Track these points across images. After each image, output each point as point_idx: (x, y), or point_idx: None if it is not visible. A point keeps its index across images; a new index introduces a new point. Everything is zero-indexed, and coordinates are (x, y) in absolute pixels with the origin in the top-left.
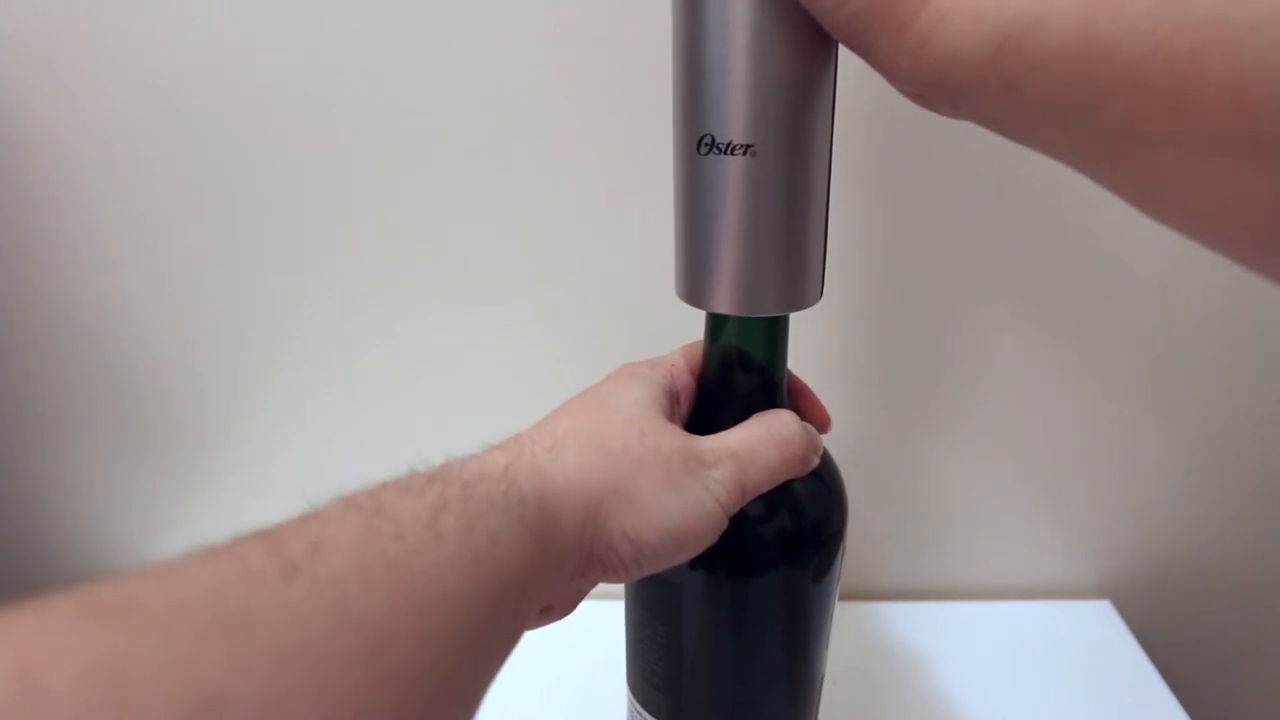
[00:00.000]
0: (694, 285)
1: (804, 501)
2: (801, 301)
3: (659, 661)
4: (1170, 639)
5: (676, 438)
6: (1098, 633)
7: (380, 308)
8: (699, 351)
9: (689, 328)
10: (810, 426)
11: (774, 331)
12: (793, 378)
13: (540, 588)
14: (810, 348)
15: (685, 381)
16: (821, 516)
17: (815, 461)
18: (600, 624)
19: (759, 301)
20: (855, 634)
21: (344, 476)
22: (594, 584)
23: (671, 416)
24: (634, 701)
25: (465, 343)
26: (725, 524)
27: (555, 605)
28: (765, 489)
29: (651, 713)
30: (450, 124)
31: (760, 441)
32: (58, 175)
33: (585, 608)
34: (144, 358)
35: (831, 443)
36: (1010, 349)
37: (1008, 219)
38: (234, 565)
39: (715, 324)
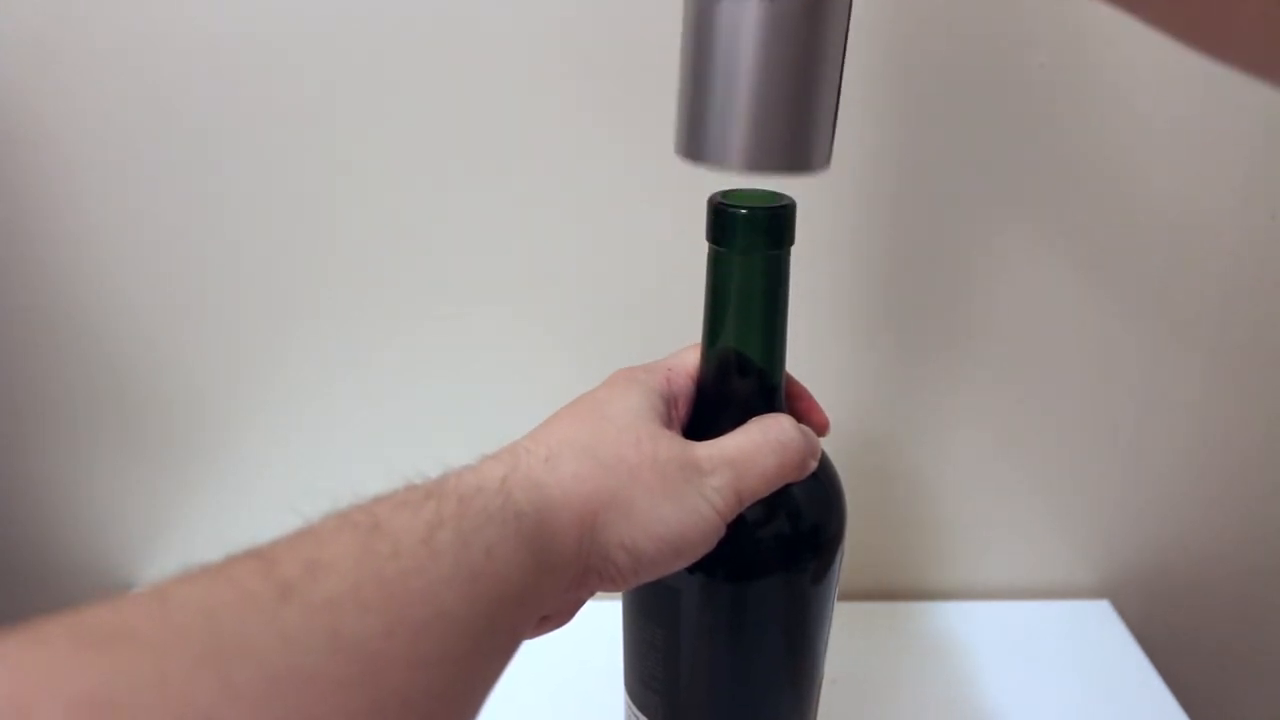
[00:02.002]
0: (695, 138)
1: (802, 505)
2: (808, 162)
3: (656, 666)
4: (1169, 639)
5: (673, 445)
6: (1097, 632)
7: (381, 308)
8: (696, 355)
9: (688, 330)
10: (808, 429)
11: (772, 332)
12: (791, 380)
13: (537, 599)
14: (809, 350)
15: (683, 385)
16: (820, 519)
17: (813, 466)
18: (597, 626)
19: (764, 156)
20: (855, 634)
21: (343, 476)
22: (591, 593)
23: (668, 422)
24: (631, 705)
25: (466, 343)
26: (722, 531)
27: (553, 615)
28: (762, 495)
29: (649, 717)
30: (451, 124)
31: (757, 447)
32: (58, 175)
33: (582, 610)
34: (144, 358)
35: (830, 444)
36: (1009, 350)
37: (1005, 216)
38: (227, 587)
39: (713, 327)
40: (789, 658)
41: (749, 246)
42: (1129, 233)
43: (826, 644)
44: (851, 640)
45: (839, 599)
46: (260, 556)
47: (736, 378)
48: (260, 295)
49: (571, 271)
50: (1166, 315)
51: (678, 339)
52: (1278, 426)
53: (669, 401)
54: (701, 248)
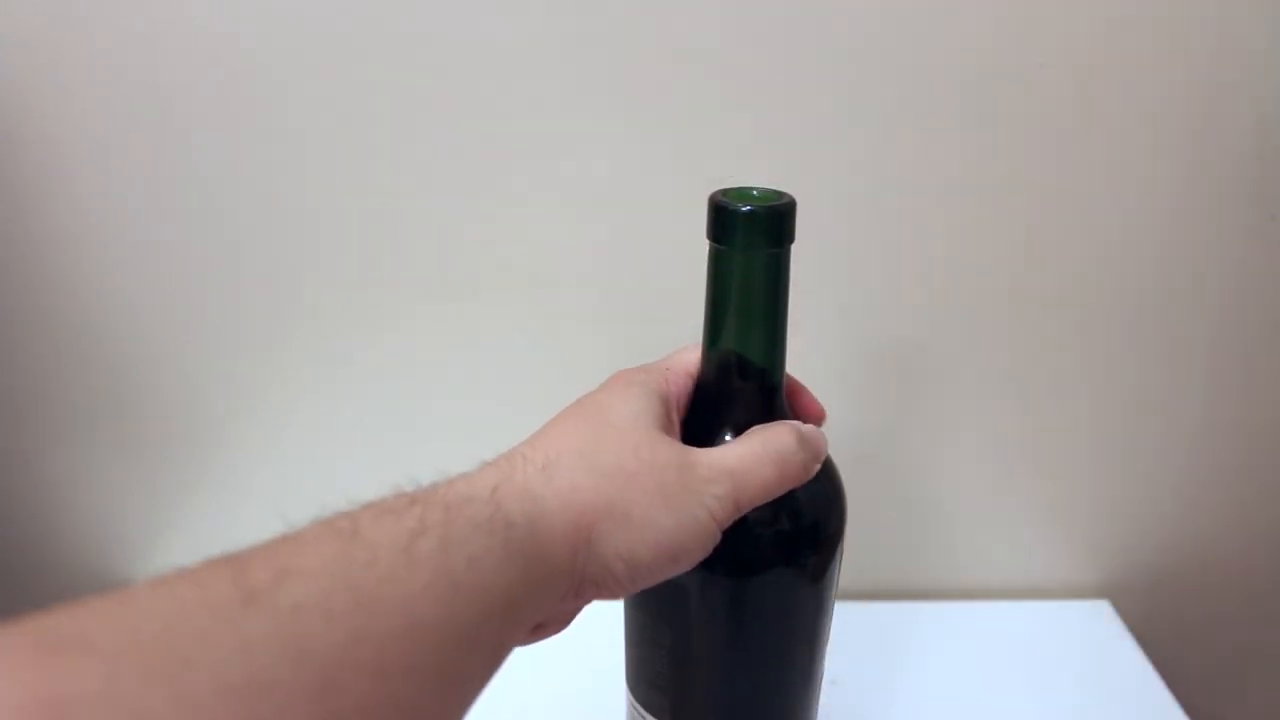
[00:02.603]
0: None
1: (803, 503)
2: None
3: (659, 662)
4: (1169, 639)
5: (672, 451)
6: (1097, 633)
7: (380, 309)
8: (695, 354)
9: (689, 330)
10: (811, 435)
11: (773, 331)
12: (788, 377)
13: (529, 610)
14: (809, 348)
15: (682, 386)
16: (820, 517)
17: (815, 469)
18: (600, 623)
19: None
20: (855, 634)
21: (342, 477)
22: (588, 602)
23: (668, 424)
24: (634, 702)
25: (466, 344)
26: (719, 537)
27: (548, 622)
28: (761, 504)
29: (653, 714)
30: (451, 124)
31: (757, 458)
32: (57, 175)
33: (583, 609)
34: (143, 358)
35: (831, 442)
36: (1010, 349)
37: (1004, 219)
38: (193, 594)
39: (714, 326)
40: (790, 654)
41: (750, 244)
42: (1129, 234)
43: (828, 641)
44: (851, 640)
45: (839, 599)
46: (232, 562)
47: (737, 377)
48: (260, 295)
49: (572, 272)
50: (1167, 315)
51: (678, 339)
52: (1278, 426)
53: (668, 403)
54: (702, 246)
